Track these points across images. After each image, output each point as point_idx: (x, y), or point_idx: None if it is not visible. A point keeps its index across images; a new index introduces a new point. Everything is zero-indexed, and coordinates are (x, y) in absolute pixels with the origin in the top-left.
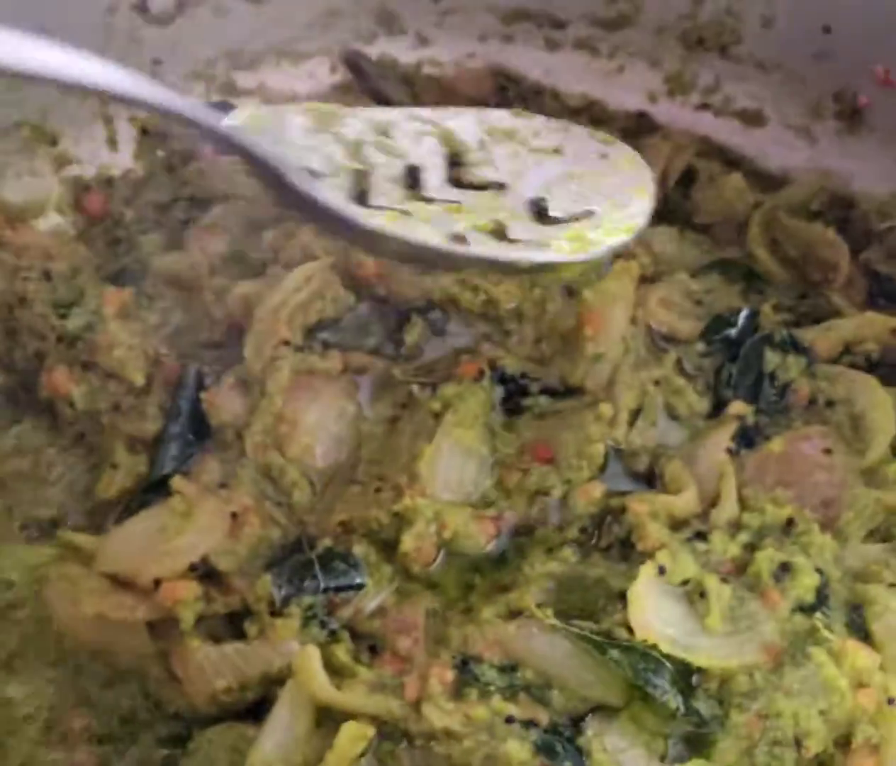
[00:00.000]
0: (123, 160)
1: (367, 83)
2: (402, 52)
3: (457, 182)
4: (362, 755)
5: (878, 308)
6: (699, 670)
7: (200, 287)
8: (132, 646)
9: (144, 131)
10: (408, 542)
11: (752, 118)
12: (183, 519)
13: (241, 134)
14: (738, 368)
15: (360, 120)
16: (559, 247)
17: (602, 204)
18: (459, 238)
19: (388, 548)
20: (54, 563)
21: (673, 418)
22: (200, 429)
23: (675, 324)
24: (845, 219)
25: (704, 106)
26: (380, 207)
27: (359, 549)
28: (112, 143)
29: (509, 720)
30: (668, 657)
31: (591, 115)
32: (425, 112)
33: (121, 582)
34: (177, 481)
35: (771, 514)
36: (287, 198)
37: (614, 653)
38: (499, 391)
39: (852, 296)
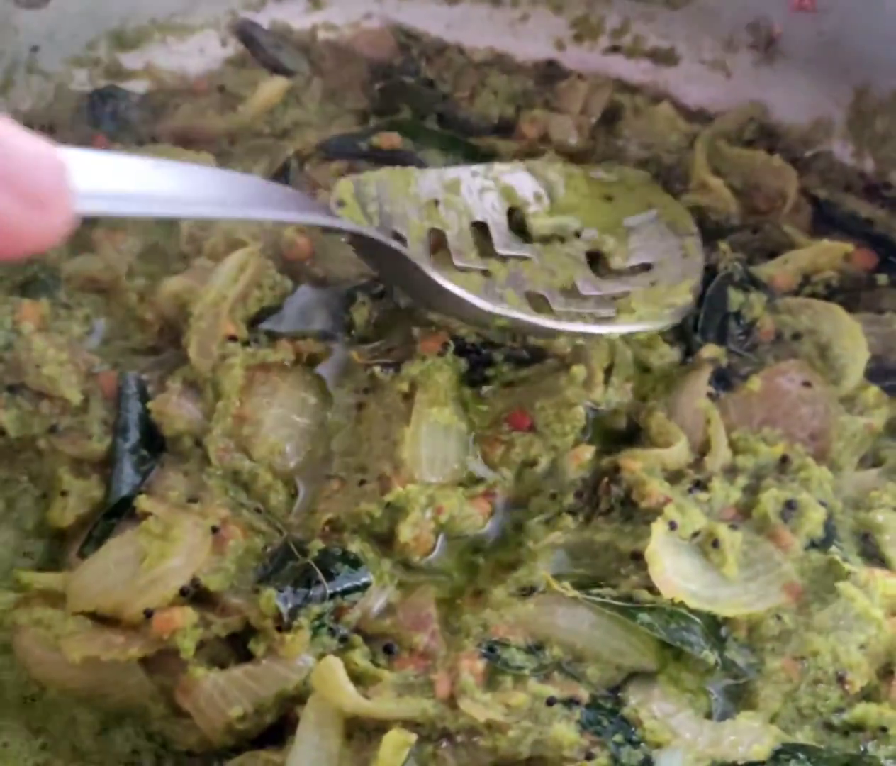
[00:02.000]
0: None
1: (262, 54)
2: (295, 17)
3: (520, 234)
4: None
5: (822, 234)
6: (726, 621)
7: (121, 289)
8: (127, 686)
9: (27, 124)
10: (406, 532)
11: (665, 57)
12: (162, 541)
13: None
14: (703, 311)
15: (429, 179)
16: (634, 313)
17: (657, 257)
18: (538, 298)
19: (383, 542)
20: (20, 609)
21: (646, 370)
22: (153, 441)
23: None
24: (772, 148)
25: (614, 49)
26: (464, 270)
27: (353, 547)
28: None
29: (551, 701)
30: (695, 612)
31: (501, 67)
32: (482, 168)
33: (102, 619)
34: (143, 501)
35: (764, 453)
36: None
37: (644, 617)
38: (462, 364)
39: (799, 222)
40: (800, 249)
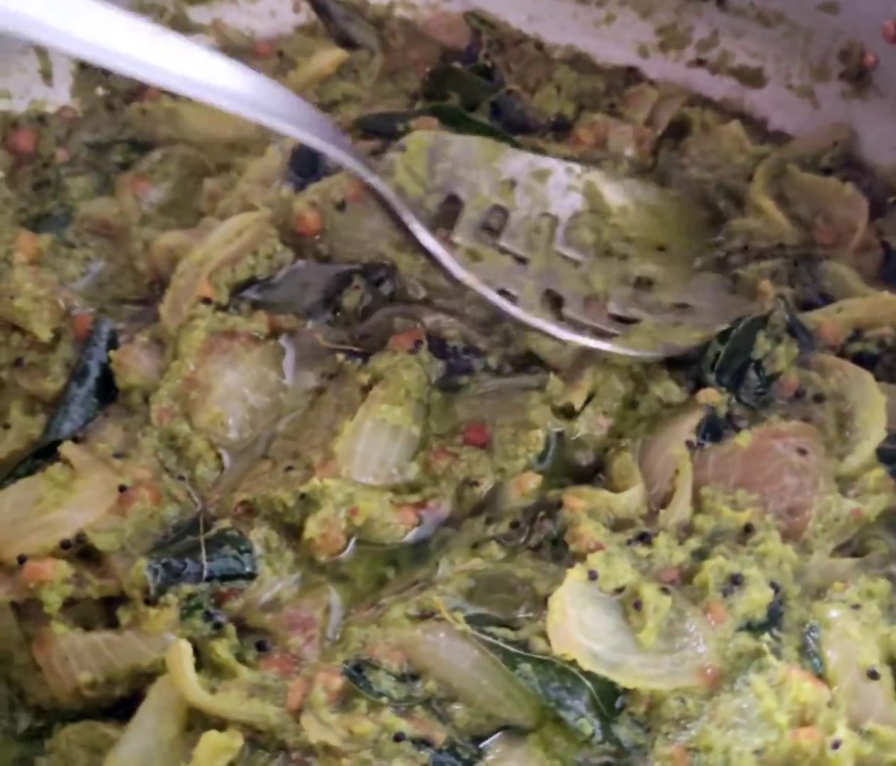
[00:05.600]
0: (59, 96)
1: (333, 25)
2: None
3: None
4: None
5: (889, 284)
6: (626, 691)
7: (128, 236)
8: None
9: (83, 66)
10: (313, 527)
11: (751, 77)
12: (61, 490)
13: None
14: (725, 349)
15: (520, 161)
16: (626, 339)
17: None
18: (554, 298)
19: (293, 533)
20: None
21: (632, 406)
22: (107, 391)
23: None
24: (855, 179)
25: (699, 62)
26: (504, 251)
27: (258, 532)
28: (47, 76)
29: (398, 737)
30: (589, 674)
31: (577, 68)
32: (578, 167)
33: None
34: (66, 447)
35: (727, 518)
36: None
37: (525, 667)
38: (438, 366)
39: (865, 264)
40: (855, 297)
